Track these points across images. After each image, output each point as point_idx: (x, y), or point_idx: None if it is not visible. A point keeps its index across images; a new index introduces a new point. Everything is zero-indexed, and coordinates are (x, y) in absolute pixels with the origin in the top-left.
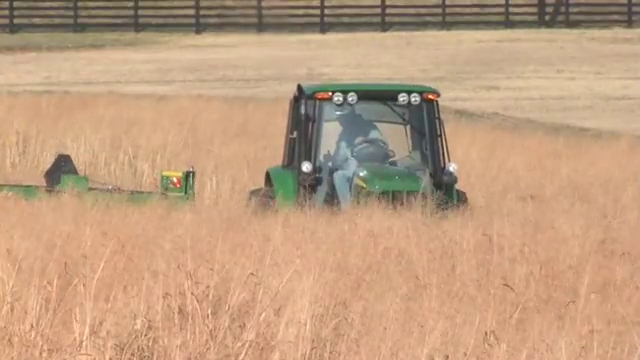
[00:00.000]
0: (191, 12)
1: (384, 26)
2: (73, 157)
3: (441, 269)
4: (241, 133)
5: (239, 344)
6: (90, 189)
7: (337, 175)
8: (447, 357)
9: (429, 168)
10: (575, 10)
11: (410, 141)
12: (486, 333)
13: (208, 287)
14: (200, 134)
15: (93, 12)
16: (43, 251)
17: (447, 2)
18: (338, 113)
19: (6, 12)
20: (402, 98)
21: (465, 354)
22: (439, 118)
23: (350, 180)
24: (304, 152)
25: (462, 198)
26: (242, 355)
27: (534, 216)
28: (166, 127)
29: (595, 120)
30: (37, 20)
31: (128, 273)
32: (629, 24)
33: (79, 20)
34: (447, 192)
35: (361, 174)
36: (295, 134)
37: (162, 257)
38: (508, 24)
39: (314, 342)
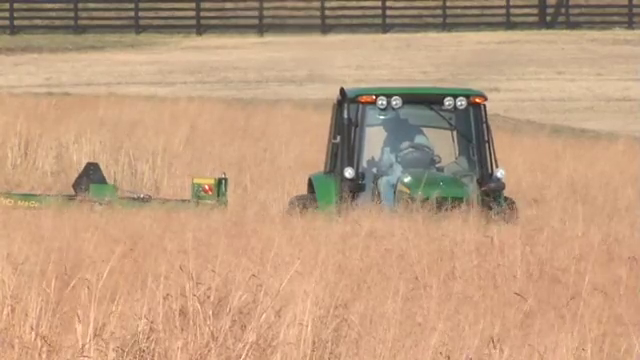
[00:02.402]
0: (192, 14)
1: (385, 27)
2: (73, 158)
3: (441, 270)
4: (242, 135)
5: (240, 345)
6: (119, 198)
7: (381, 181)
8: (448, 358)
9: (476, 174)
10: (576, 11)
11: (457, 146)
12: (492, 340)
13: (209, 288)
14: (200, 136)
15: (94, 14)
16: (43, 254)
17: (448, 3)
18: (382, 117)
19: (6, 14)
20: (448, 102)
21: (468, 357)
22: (486, 122)
23: (394, 186)
24: (347, 158)
25: (510, 205)
26: (243, 356)
27: (535, 217)
28: (167, 128)
29: (595, 121)
30: (38, 22)
31: (130, 275)
32: (629, 25)
33: (80, 22)
34: (495, 199)
35: (405, 180)
36: (338, 139)
37: (164, 259)
38: (509, 25)
39: (315, 344)
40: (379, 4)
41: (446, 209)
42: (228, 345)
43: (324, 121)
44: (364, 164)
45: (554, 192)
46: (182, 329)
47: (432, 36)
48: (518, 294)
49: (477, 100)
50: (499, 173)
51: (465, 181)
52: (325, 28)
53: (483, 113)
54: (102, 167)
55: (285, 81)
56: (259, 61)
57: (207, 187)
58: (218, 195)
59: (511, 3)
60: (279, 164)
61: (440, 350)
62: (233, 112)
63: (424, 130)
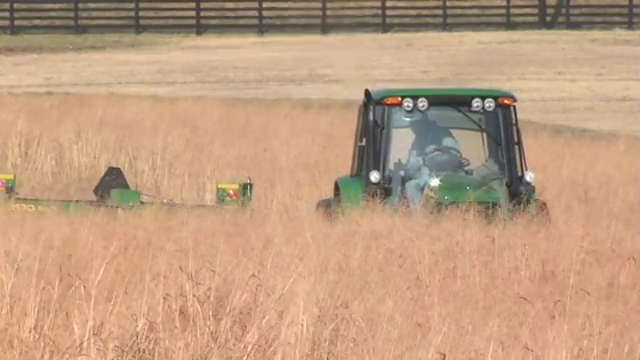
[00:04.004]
0: (192, 13)
1: (385, 27)
2: (74, 158)
3: (443, 270)
4: (242, 135)
5: (241, 346)
6: (142, 203)
7: (409, 185)
8: (444, 357)
9: (505, 177)
10: (576, 11)
11: (487, 149)
12: (493, 340)
13: (210, 289)
14: (201, 135)
15: (94, 13)
16: (43, 253)
17: (448, 3)
18: (408, 119)
19: (7, 14)
20: (476, 104)
21: (469, 357)
22: (516, 124)
23: (422, 190)
24: (372, 161)
25: (542, 208)
26: (244, 357)
27: (536, 217)
28: (167, 128)
29: (596, 121)
30: (38, 22)
31: (129, 275)
32: (630, 25)
33: (80, 22)
34: (525, 202)
35: (432, 184)
36: (364, 142)
37: (164, 259)
38: (509, 25)
39: (315, 344)
40: (379, 4)
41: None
42: (229, 345)
43: (325, 121)
44: (391, 167)
45: (555, 192)
46: (183, 329)
47: (432, 36)
48: (524, 298)
49: (506, 101)
50: (528, 176)
51: (494, 185)
52: (325, 28)
53: (512, 115)
54: (101, 166)
55: (285, 81)
56: (259, 61)
57: (232, 192)
58: (243, 200)
59: (511, 3)
60: (279, 164)
61: (440, 350)
62: (233, 112)
63: (452, 132)
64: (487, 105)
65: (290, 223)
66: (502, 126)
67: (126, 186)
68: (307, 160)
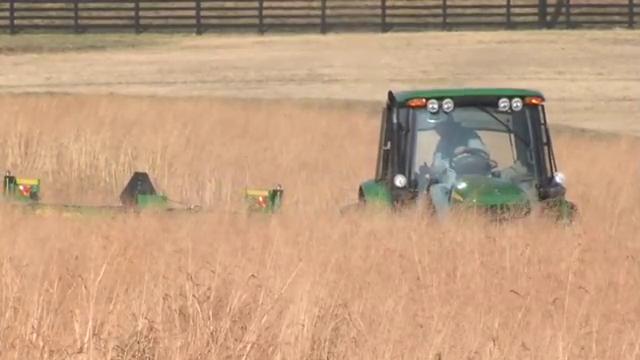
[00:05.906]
0: (192, 13)
1: (385, 27)
2: (74, 158)
3: (442, 270)
4: (242, 134)
5: (240, 346)
6: (169, 209)
7: (435, 188)
8: (439, 358)
9: (535, 179)
10: (576, 11)
11: (515, 150)
12: (493, 340)
13: (209, 289)
14: (201, 135)
15: (94, 13)
16: (45, 254)
17: (448, 3)
18: (433, 121)
19: (7, 13)
20: (503, 104)
21: (468, 357)
22: (545, 124)
23: (449, 193)
24: (397, 165)
25: (572, 210)
26: (243, 357)
27: (536, 217)
28: (167, 128)
29: (596, 121)
30: (38, 21)
31: (129, 275)
32: (630, 25)
33: (80, 21)
34: (555, 204)
35: (459, 187)
36: (389, 145)
37: (163, 259)
38: (509, 25)
39: (315, 344)
40: (379, 4)
41: (502, 216)
42: (228, 345)
43: (324, 121)
44: (416, 170)
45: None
46: (182, 329)
47: (432, 35)
48: (515, 292)
49: (534, 101)
50: (558, 177)
51: (522, 187)
52: (325, 27)
53: (541, 115)
54: (101, 166)
55: (285, 81)
56: (259, 60)
57: (261, 199)
58: (273, 207)
59: (511, 2)
60: (279, 164)
61: (440, 350)
62: (233, 111)
63: (478, 133)
64: (514, 105)
65: (290, 223)
66: (530, 126)
67: (153, 192)
68: (307, 160)
